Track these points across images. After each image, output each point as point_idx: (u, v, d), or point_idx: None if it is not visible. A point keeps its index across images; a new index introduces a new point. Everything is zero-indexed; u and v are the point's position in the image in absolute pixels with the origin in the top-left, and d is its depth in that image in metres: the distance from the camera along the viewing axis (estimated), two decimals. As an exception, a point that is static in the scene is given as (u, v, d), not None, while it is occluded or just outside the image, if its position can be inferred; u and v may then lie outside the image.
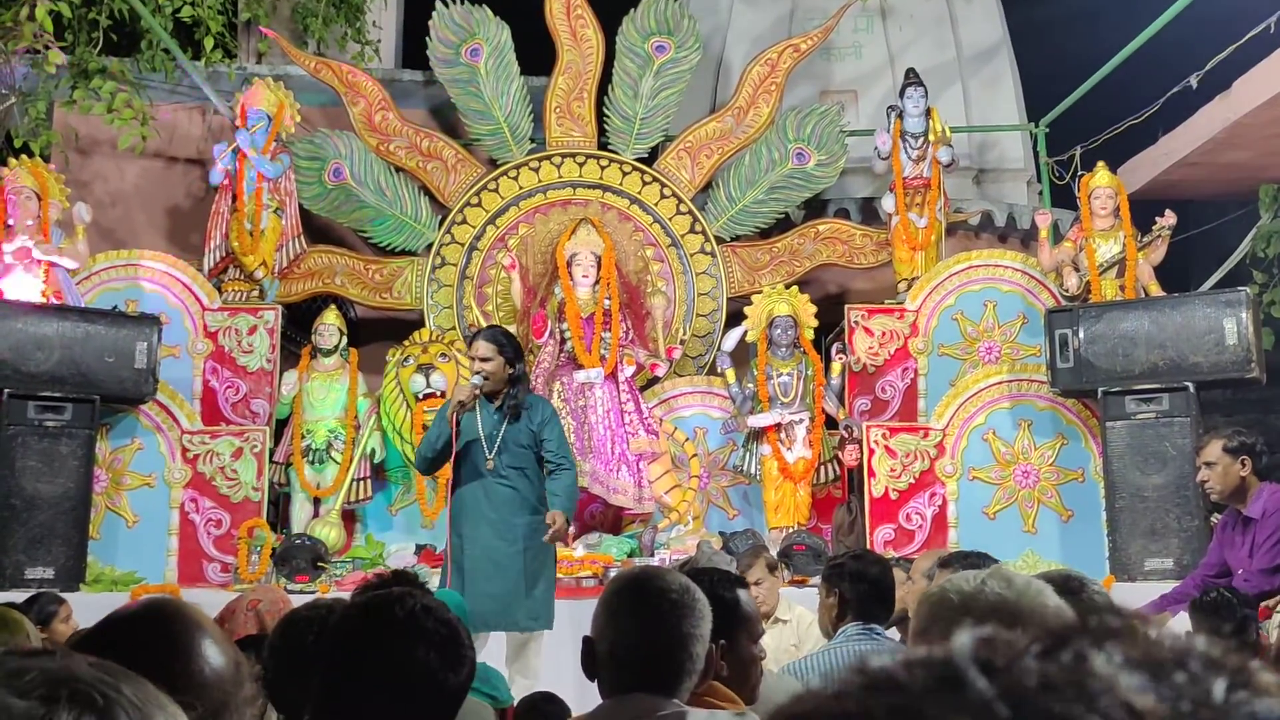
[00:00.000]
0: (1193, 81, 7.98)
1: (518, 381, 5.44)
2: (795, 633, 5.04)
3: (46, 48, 7.93)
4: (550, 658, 5.63)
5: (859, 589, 3.40)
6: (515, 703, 3.69)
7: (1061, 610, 1.47)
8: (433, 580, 5.42)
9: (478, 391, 5.35)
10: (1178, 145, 8.91)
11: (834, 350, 7.77)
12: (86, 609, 5.23)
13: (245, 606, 3.71)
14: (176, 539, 7.04)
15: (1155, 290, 7.20)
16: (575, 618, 6.08)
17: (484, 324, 8.03)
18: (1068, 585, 2.19)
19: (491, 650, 5.37)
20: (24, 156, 7.38)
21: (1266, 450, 5.29)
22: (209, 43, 8.59)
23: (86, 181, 8.78)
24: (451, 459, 5.41)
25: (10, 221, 6.87)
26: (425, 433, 5.59)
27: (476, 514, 5.36)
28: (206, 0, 8.56)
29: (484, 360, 5.36)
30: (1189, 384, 6.67)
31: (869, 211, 9.02)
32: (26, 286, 6.79)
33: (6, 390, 6.44)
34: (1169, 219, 7.26)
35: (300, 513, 7.42)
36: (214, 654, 1.32)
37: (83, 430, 6.63)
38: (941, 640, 1.57)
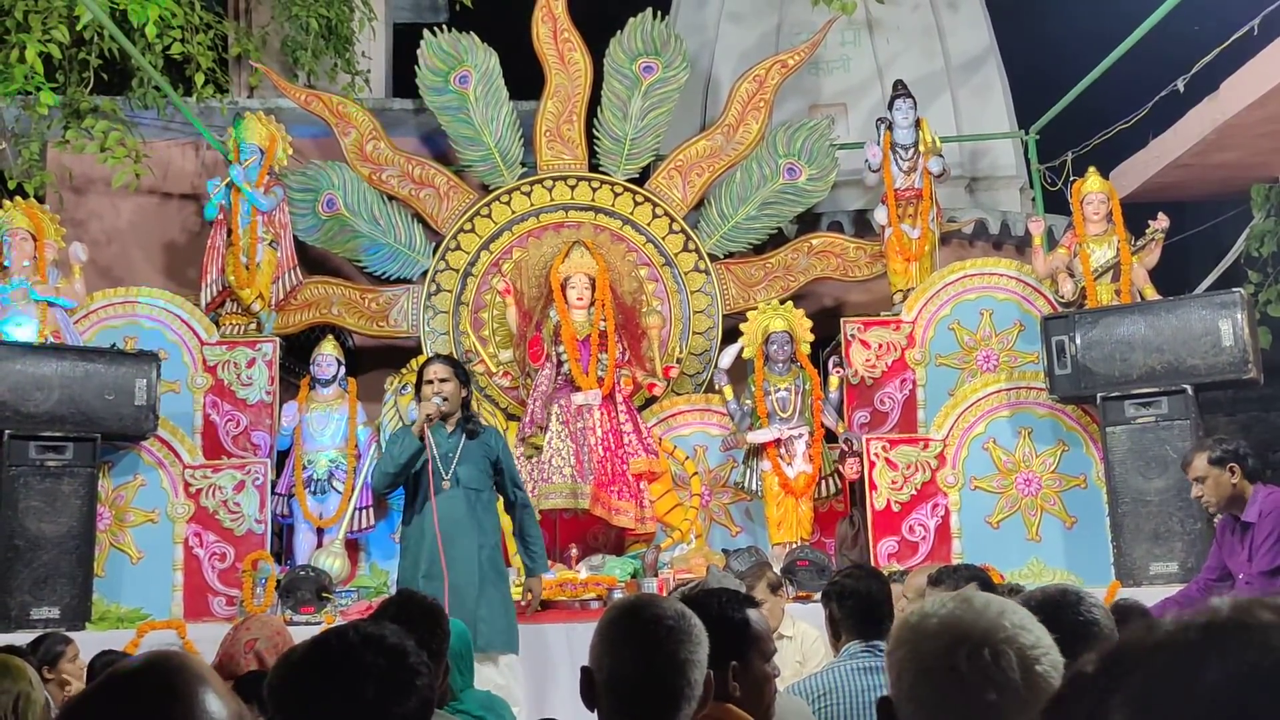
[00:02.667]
0: (1180, 85, 8.02)
1: (467, 404, 5.68)
2: (799, 649, 5.04)
3: (38, 89, 7.98)
4: (550, 682, 5.65)
5: (846, 606, 3.40)
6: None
7: (1021, 632, 1.49)
8: None
9: (441, 410, 5.50)
10: (1168, 148, 8.94)
11: (831, 364, 7.78)
12: (93, 647, 5.23)
13: (243, 649, 3.70)
14: (181, 574, 7.04)
15: (1150, 294, 7.22)
16: (579, 641, 6.09)
17: (480, 350, 8.08)
18: (1062, 601, 2.21)
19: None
20: (18, 198, 7.43)
21: (1251, 452, 5.26)
22: (200, 79, 8.63)
23: (82, 220, 8.81)
24: (406, 477, 5.57)
25: (6, 263, 6.90)
26: (383, 453, 5.62)
27: (434, 535, 5.44)
28: (196, 36, 8.61)
29: (443, 381, 5.55)
30: (1187, 387, 6.68)
31: (862, 224, 9.03)
32: (24, 327, 6.81)
33: (7, 431, 6.45)
34: (1161, 222, 7.27)
35: (304, 543, 7.43)
36: (216, 706, 1.32)
37: (84, 469, 6.63)
38: (907, 663, 1.56)
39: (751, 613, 2.58)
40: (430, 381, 5.58)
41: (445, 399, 5.53)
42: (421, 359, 7.91)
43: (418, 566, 5.46)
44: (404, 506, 5.67)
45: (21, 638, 5.34)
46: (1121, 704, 0.53)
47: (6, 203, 7.17)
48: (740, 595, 2.72)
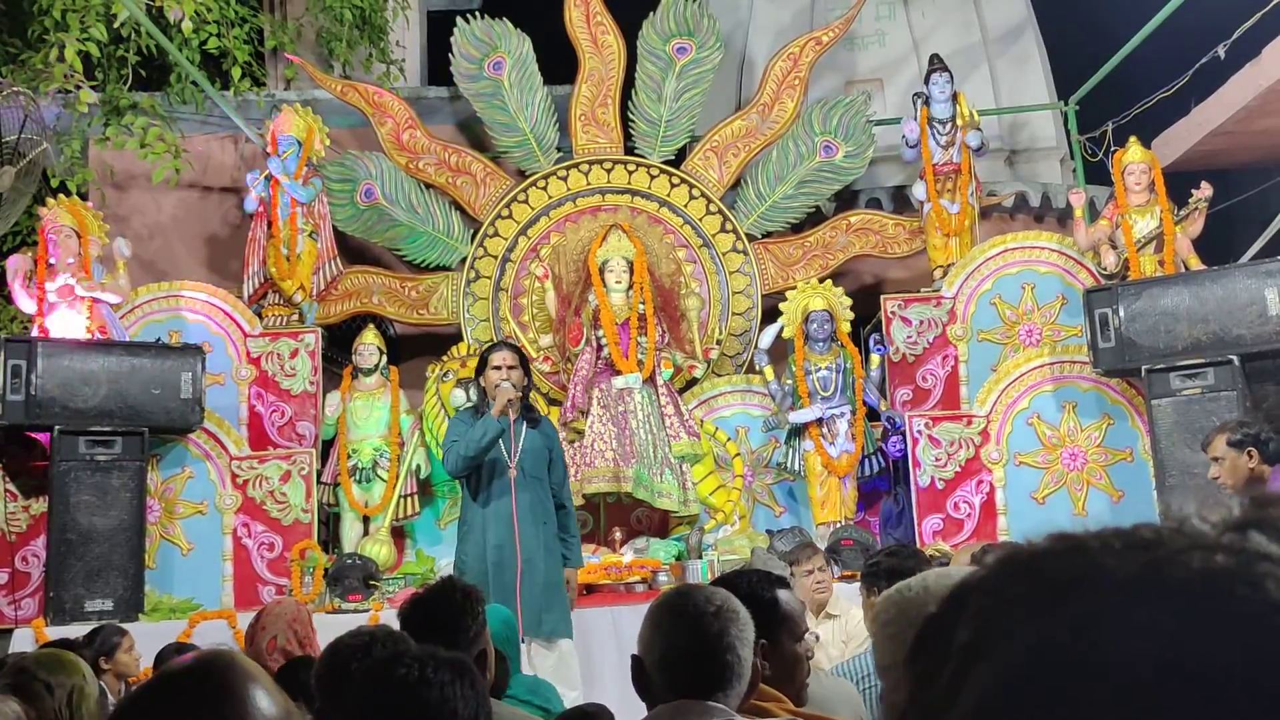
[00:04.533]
0: (1221, 51, 7.88)
1: (527, 393, 5.72)
2: (844, 629, 5.04)
3: (78, 87, 8.07)
4: (595, 667, 5.68)
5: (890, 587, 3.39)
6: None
7: None
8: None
9: (519, 396, 5.53)
10: (1210, 115, 8.81)
11: (872, 342, 7.74)
12: (147, 638, 5.33)
13: (265, 650, 3.75)
14: (231, 564, 7.12)
15: (1195, 264, 7.13)
16: (624, 624, 6.11)
17: (520, 335, 8.11)
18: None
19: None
20: (61, 195, 7.51)
21: (1274, 436, 5.12)
22: (236, 72, 8.70)
23: (124, 216, 8.90)
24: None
25: (52, 260, 6.98)
26: (459, 437, 5.56)
27: (509, 521, 5.47)
28: (232, 31, 8.67)
29: (511, 368, 5.56)
30: (1234, 357, 6.59)
31: (901, 200, 8.97)
32: (71, 324, 6.90)
33: (57, 427, 6.54)
34: (1204, 191, 7.17)
35: (350, 532, 7.50)
36: (267, 703, 1.34)
37: (133, 462, 6.71)
38: (900, 640, 1.57)
39: (781, 593, 2.59)
40: (499, 368, 5.57)
41: (515, 386, 5.54)
42: (462, 346, 7.98)
43: (486, 551, 5.47)
44: (466, 492, 5.67)
45: (76, 630, 5.45)
46: (963, 627, 0.54)
47: (50, 201, 7.25)
48: (771, 575, 2.73)
